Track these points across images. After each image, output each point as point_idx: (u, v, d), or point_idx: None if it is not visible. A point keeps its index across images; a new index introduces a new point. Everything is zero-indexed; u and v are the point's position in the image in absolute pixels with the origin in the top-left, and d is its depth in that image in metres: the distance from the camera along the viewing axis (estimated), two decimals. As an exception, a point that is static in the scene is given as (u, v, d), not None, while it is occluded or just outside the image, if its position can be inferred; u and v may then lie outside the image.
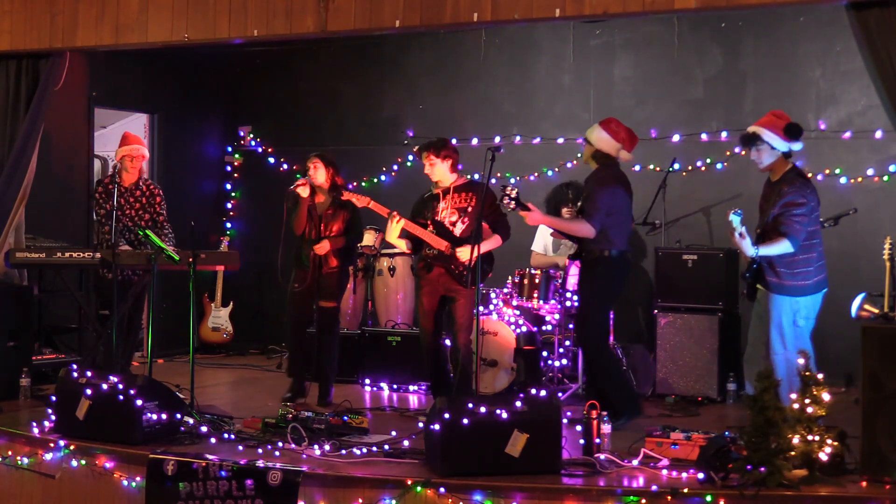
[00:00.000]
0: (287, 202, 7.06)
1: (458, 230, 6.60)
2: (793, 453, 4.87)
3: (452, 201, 6.64)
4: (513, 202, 6.22)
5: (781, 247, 5.73)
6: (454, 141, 9.15)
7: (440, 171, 6.64)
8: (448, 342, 6.73)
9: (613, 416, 6.12)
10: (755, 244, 5.83)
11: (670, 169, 8.15)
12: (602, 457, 5.33)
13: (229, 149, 10.28)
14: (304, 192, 6.95)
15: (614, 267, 6.40)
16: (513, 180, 9.02)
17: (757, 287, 5.93)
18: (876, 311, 5.86)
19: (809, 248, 5.75)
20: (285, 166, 9.78)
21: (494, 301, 7.82)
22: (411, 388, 7.78)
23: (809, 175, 7.90)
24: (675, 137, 8.51)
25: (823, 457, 4.92)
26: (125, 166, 7.52)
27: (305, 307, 7.16)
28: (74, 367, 6.20)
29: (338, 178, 7.17)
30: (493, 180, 7.41)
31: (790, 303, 5.76)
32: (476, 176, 8.05)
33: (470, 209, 6.59)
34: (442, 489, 4.97)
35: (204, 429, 5.92)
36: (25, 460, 5.94)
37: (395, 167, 9.53)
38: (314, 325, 7.27)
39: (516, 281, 7.62)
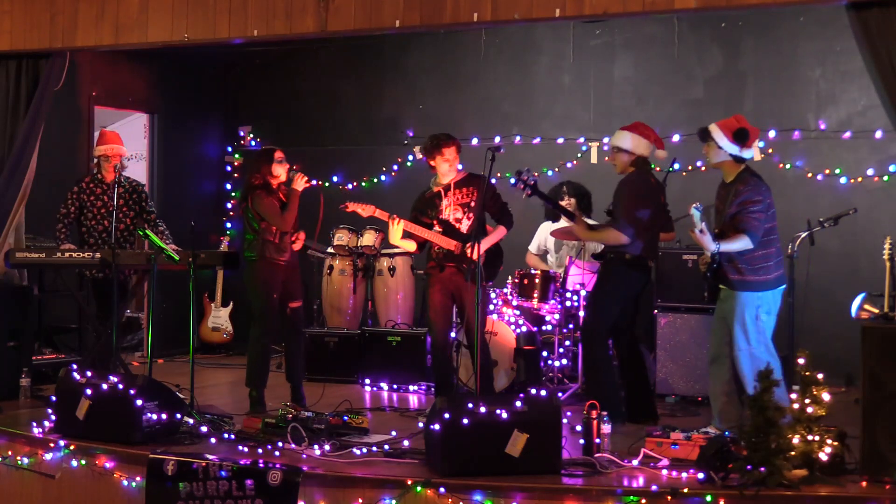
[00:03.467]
0: (261, 198, 6.71)
1: (464, 226, 6.63)
2: (793, 453, 4.87)
3: (455, 198, 6.65)
4: (529, 189, 6.31)
5: (741, 243, 5.72)
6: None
7: (454, 166, 6.64)
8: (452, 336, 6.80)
9: None
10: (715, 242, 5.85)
11: (670, 169, 8.13)
12: (602, 457, 5.33)
13: (229, 149, 10.29)
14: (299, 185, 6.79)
15: (630, 268, 6.44)
16: (512, 181, 9.03)
17: (720, 287, 5.92)
18: (876, 311, 5.86)
19: (768, 244, 5.75)
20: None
21: (494, 301, 7.82)
22: (411, 388, 7.78)
23: (809, 175, 7.96)
24: (675, 137, 8.51)
25: (823, 457, 4.93)
26: (102, 165, 7.51)
27: (278, 313, 6.90)
28: (74, 367, 6.20)
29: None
30: (494, 180, 7.42)
31: (753, 298, 5.75)
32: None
33: (473, 203, 6.60)
34: (442, 489, 4.97)
35: (204, 429, 5.92)
36: (25, 460, 5.94)
37: (395, 167, 9.53)
38: (284, 327, 7.00)
39: (516, 281, 7.62)
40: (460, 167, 6.75)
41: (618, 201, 6.44)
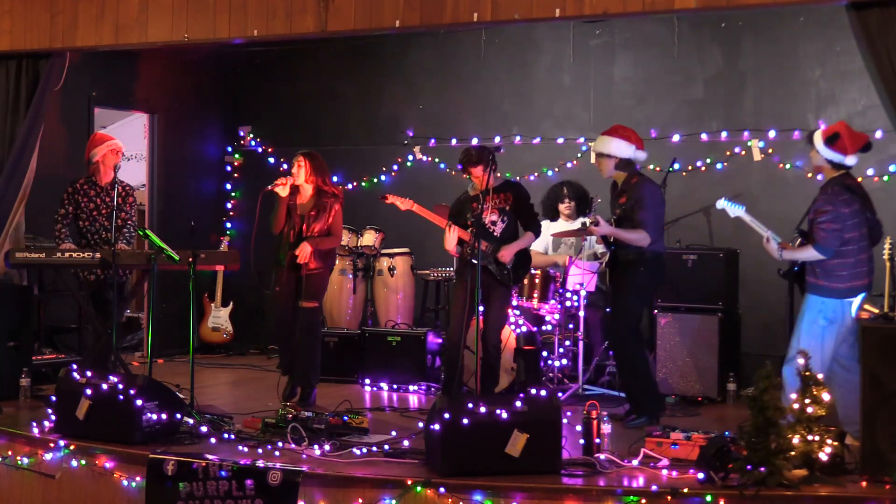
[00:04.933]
0: (260, 203, 6.98)
1: (497, 230, 6.78)
2: (793, 453, 4.88)
3: (491, 202, 6.75)
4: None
5: (807, 254, 5.77)
6: (454, 141, 9.22)
7: (480, 180, 6.76)
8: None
9: (636, 413, 6.37)
10: (790, 245, 5.90)
11: (670, 169, 8.15)
12: (602, 457, 5.33)
13: (229, 149, 10.28)
14: (282, 191, 6.97)
15: (653, 265, 6.51)
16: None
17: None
18: (876, 311, 5.86)
19: (845, 254, 5.74)
20: (285, 166, 9.76)
21: (514, 306, 7.78)
22: (411, 388, 7.78)
23: (809, 175, 7.95)
24: (675, 137, 8.50)
25: (823, 457, 4.93)
26: (107, 164, 7.48)
27: (287, 308, 7.07)
28: (74, 367, 6.19)
29: (326, 179, 7.11)
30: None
31: (818, 301, 5.78)
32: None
33: (508, 208, 6.80)
34: (442, 489, 4.97)
35: (204, 429, 5.92)
36: (25, 460, 5.94)
37: (395, 167, 9.53)
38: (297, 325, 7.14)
39: (516, 281, 7.61)
40: (498, 174, 6.88)
41: (635, 206, 6.44)
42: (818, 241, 5.71)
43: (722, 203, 6.35)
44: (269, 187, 6.99)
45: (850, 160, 5.86)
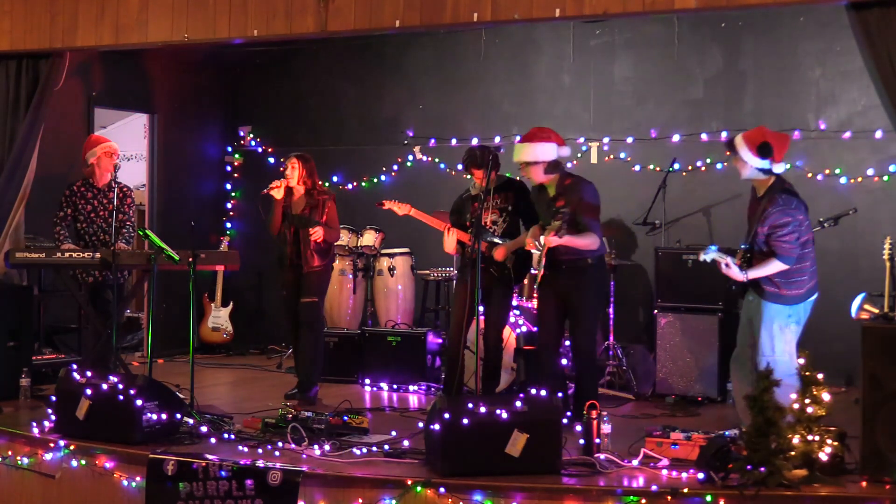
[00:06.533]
0: (261, 205, 7.27)
1: (498, 230, 6.81)
2: (793, 453, 4.88)
3: (492, 202, 6.77)
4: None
5: (773, 267, 5.67)
6: (454, 141, 9.22)
7: (482, 181, 6.74)
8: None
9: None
10: (744, 265, 5.76)
11: (670, 169, 8.15)
12: (602, 457, 5.33)
13: (229, 149, 10.28)
14: (277, 193, 7.09)
15: (602, 271, 6.56)
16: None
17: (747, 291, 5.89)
18: (876, 311, 5.85)
19: (802, 258, 5.71)
20: (285, 166, 9.78)
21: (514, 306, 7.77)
22: (411, 388, 7.78)
23: (809, 175, 7.96)
24: (675, 137, 8.50)
25: (823, 457, 4.93)
26: (103, 166, 7.46)
27: (292, 308, 7.24)
28: (74, 367, 6.20)
29: (315, 181, 7.20)
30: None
31: (783, 310, 5.74)
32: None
33: (510, 208, 6.80)
34: (442, 489, 4.97)
35: (204, 429, 5.92)
36: (25, 460, 5.94)
37: (395, 167, 9.53)
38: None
39: (516, 281, 7.61)
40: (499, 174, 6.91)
41: (580, 210, 6.28)
42: (782, 253, 5.63)
43: (704, 256, 5.85)
44: (265, 191, 7.09)
45: (778, 168, 5.81)
